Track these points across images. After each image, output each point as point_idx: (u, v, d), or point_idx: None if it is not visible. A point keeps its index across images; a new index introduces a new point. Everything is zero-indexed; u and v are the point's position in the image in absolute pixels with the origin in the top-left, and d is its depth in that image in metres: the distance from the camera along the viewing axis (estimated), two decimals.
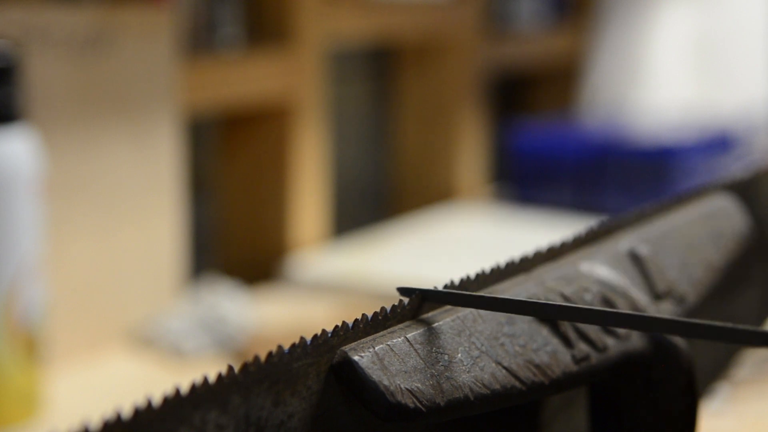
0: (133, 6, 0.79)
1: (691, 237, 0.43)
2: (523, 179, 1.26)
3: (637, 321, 0.31)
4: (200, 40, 0.92)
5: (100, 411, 0.26)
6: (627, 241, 0.40)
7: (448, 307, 0.33)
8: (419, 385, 0.30)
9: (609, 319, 0.32)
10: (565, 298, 0.35)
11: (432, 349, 0.31)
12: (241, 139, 1.02)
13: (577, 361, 0.34)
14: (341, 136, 1.22)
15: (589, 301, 0.36)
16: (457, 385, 0.30)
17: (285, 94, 0.99)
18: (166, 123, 0.82)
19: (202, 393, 0.26)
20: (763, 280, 0.50)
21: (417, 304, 0.32)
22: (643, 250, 0.40)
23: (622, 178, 1.21)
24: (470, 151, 1.31)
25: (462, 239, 1.09)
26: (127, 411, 0.24)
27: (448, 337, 0.31)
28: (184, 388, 0.25)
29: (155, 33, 0.80)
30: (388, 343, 0.30)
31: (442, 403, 0.30)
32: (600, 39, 1.56)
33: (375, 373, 0.29)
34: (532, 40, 1.47)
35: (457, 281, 0.33)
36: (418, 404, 0.29)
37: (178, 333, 0.78)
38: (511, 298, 0.33)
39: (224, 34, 0.94)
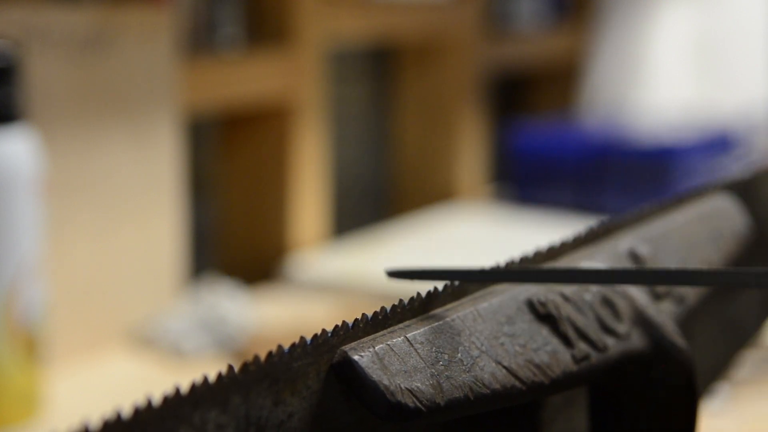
0: (133, 6, 0.79)
1: (691, 237, 0.43)
2: (523, 179, 1.26)
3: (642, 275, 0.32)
4: (200, 40, 0.92)
5: (100, 411, 0.26)
6: (627, 241, 0.40)
7: (448, 306, 0.33)
8: (419, 384, 0.30)
9: (595, 277, 0.33)
10: (565, 298, 0.35)
11: (432, 348, 0.31)
12: (241, 139, 1.02)
13: (577, 361, 0.34)
14: (341, 136, 1.22)
15: (589, 300, 0.36)
16: (457, 384, 0.30)
17: (285, 94, 0.99)
18: (166, 123, 0.82)
19: (202, 393, 0.26)
20: None
21: (417, 304, 0.32)
22: (643, 250, 0.40)
23: (622, 178, 1.21)
24: (470, 151, 1.31)
25: (462, 239, 1.09)
26: (127, 411, 0.24)
27: (448, 336, 0.31)
28: (184, 388, 0.26)
29: (155, 33, 0.80)
30: (388, 342, 0.30)
31: (442, 403, 0.30)
32: (600, 39, 1.56)
33: (375, 373, 0.29)
34: (532, 40, 1.47)
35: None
36: (418, 404, 0.29)
37: (178, 333, 0.78)
38: (494, 269, 0.33)
39: (224, 34, 0.94)
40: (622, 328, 0.36)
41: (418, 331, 0.31)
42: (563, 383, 0.34)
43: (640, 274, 0.32)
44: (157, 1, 0.80)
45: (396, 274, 0.33)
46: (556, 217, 1.18)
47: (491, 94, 1.43)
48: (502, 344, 0.32)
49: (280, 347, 0.28)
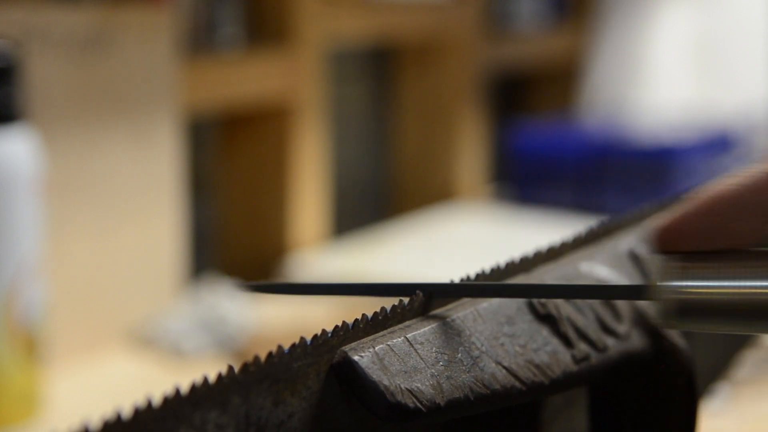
0: (133, 6, 0.79)
1: None
2: (523, 179, 1.26)
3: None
4: (200, 40, 0.92)
5: (100, 411, 0.26)
6: (627, 241, 0.40)
7: (449, 307, 0.33)
8: (419, 385, 0.30)
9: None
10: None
11: (432, 349, 0.31)
12: (241, 139, 1.02)
13: (577, 361, 0.34)
14: (341, 136, 1.22)
15: (589, 300, 0.36)
16: (457, 385, 0.30)
17: (285, 94, 0.99)
18: (166, 123, 0.82)
19: (202, 393, 0.26)
20: None
21: (417, 304, 0.32)
22: (643, 250, 0.40)
23: (622, 178, 1.21)
24: (470, 151, 1.31)
25: (462, 239, 1.09)
26: (127, 411, 0.24)
27: (448, 337, 0.31)
28: (184, 388, 0.25)
29: (155, 33, 0.80)
30: (388, 343, 0.30)
31: (442, 403, 0.30)
32: (600, 39, 1.56)
33: (375, 373, 0.29)
34: (532, 40, 1.47)
35: (457, 281, 0.33)
36: (418, 404, 0.29)
37: (178, 333, 0.78)
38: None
39: (224, 34, 0.94)
40: (622, 328, 0.36)
41: (419, 331, 0.31)
42: (563, 383, 0.34)
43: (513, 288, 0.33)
44: (157, 1, 0.80)
45: (254, 287, 0.34)
46: (556, 217, 1.18)
47: (491, 94, 1.43)
48: (503, 344, 0.32)
49: (280, 347, 0.28)
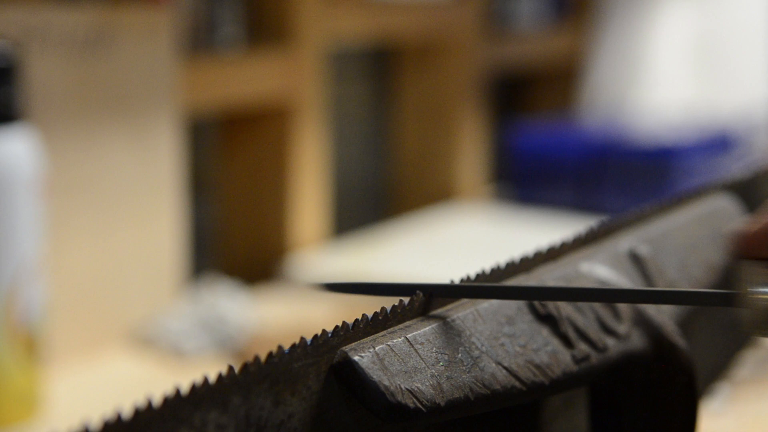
0: (133, 6, 0.79)
1: (691, 237, 0.43)
2: (523, 179, 1.26)
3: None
4: (200, 40, 0.92)
5: (100, 411, 0.26)
6: (627, 241, 0.40)
7: (449, 307, 0.33)
8: (419, 385, 0.30)
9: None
10: None
11: (432, 349, 0.31)
12: (241, 139, 1.02)
13: (577, 361, 0.34)
14: (341, 136, 1.22)
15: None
16: (457, 385, 0.30)
17: (285, 94, 0.99)
18: (166, 123, 0.82)
19: (202, 393, 0.26)
20: None
21: (417, 304, 0.32)
22: (643, 250, 0.40)
23: (622, 178, 1.21)
24: (470, 151, 1.31)
25: (462, 239, 1.09)
26: (127, 411, 0.24)
27: (449, 337, 0.31)
28: (184, 388, 0.26)
29: (155, 33, 0.80)
30: (389, 343, 0.30)
31: (442, 403, 0.30)
32: (600, 39, 1.56)
33: (375, 373, 0.29)
34: (532, 40, 1.47)
35: (457, 281, 0.33)
36: (418, 404, 0.29)
37: (178, 333, 0.78)
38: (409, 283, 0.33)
39: (224, 34, 0.94)
40: (622, 328, 0.36)
41: (419, 331, 0.31)
42: (563, 383, 0.34)
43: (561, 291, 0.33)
44: (157, 1, 0.80)
45: (329, 287, 0.34)
46: (556, 217, 1.18)
47: (491, 94, 1.43)
48: (503, 345, 0.32)
49: (280, 348, 0.28)
